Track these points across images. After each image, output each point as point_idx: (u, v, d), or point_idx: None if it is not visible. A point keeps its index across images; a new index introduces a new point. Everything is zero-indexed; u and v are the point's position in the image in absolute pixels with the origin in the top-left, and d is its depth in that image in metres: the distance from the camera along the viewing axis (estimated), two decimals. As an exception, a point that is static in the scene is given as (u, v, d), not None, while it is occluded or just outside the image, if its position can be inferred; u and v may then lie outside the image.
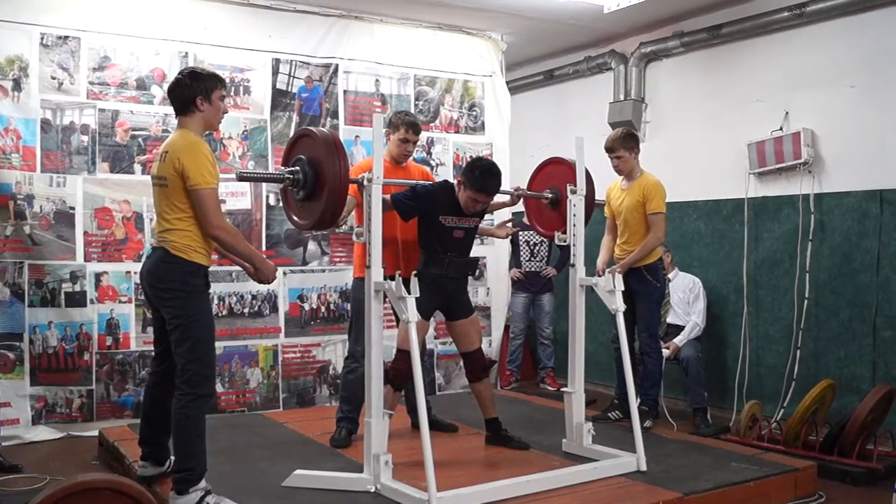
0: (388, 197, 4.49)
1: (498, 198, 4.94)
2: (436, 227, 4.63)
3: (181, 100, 3.87)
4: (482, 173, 4.55)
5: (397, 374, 4.48)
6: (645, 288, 5.48)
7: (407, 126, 5.01)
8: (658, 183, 5.47)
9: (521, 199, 5.16)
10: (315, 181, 3.90)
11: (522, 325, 7.80)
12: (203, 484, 3.77)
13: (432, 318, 4.83)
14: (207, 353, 3.86)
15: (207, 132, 4.06)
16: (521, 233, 7.47)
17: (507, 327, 7.64)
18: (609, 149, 5.50)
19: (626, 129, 5.71)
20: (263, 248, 6.21)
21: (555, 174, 5.09)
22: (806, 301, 6.04)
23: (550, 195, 5.07)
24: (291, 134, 6.28)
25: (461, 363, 6.81)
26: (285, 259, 6.32)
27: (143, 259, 4.04)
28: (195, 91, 3.84)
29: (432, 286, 4.54)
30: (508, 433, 4.97)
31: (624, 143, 5.47)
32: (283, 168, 4.04)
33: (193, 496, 3.71)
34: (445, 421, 5.39)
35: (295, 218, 4.16)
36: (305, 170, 3.92)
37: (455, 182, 4.71)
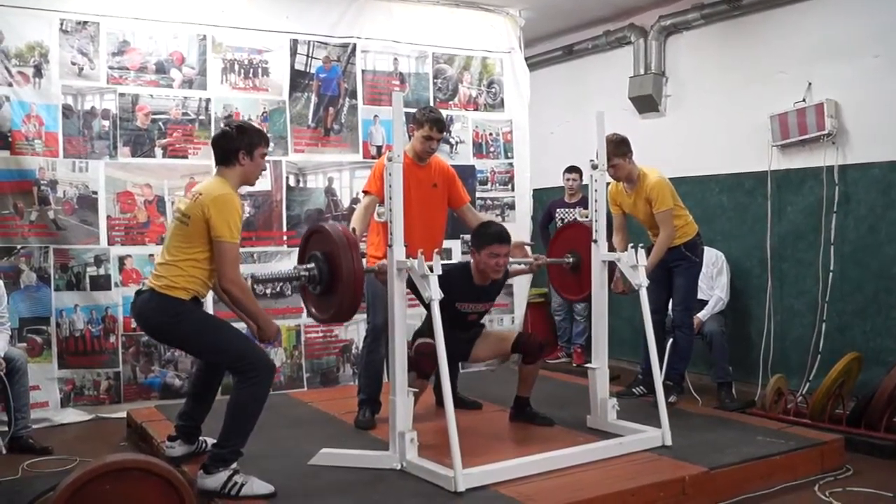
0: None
1: (517, 266, 5.00)
2: (450, 311, 4.48)
3: (224, 151, 3.93)
4: (490, 228, 4.65)
5: (420, 360, 4.42)
6: (685, 264, 5.47)
7: (431, 123, 4.95)
8: (658, 181, 5.38)
9: (541, 266, 5.16)
10: (330, 277, 3.92)
11: (561, 299, 7.84)
12: (233, 465, 3.80)
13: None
14: (235, 347, 3.85)
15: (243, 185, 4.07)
16: (557, 209, 7.56)
17: (549, 303, 7.99)
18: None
19: (615, 136, 5.28)
20: (284, 229, 6.23)
21: (574, 238, 5.10)
22: (831, 274, 5.99)
23: (571, 259, 5.08)
24: (310, 115, 6.35)
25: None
26: (307, 240, 6.33)
27: (133, 299, 4.11)
28: (239, 144, 3.90)
29: None
30: (533, 409, 4.98)
31: (616, 151, 5.24)
32: (299, 266, 4.07)
33: (222, 475, 3.74)
34: (469, 398, 5.40)
35: (314, 311, 4.16)
36: (321, 266, 3.94)
37: (470, 258, 4.69)
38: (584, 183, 7.40)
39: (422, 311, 4.98)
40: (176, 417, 4.35)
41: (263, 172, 4.08)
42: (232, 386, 3.88)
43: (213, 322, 4.03)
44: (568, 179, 7.56)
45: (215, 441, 3.88)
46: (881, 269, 5.76)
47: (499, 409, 5.26)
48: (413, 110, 5.30)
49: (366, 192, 4.99)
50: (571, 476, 4.00)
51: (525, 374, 4.94)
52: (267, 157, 4.14)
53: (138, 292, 4.02)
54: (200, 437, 4.29)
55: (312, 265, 3.99)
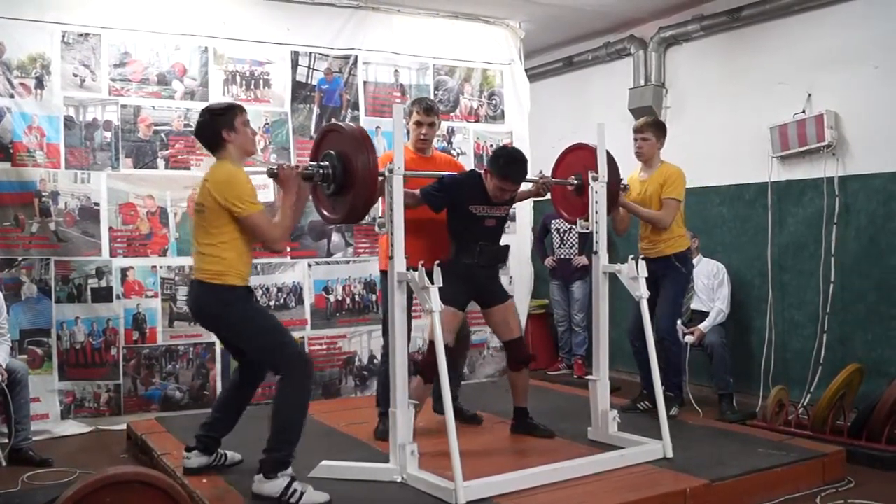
0: (417, 192, 4.50)
1: (524, 186, 4.93)
2: (466, 217, 4.63)
3: (209, 138, 3.98)
4: (507, 161, 4.59)
5: (427, 365, 4.44)
6: (673, 274, 5.45)
7: (419, 107, 4.98)
8: (680, 171, 5.47)
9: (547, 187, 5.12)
10: (344, 175, 3.92)
11: (562, 311, 7.94)
12: (290, 470, 3.81)
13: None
14: (278, 346, 3.93)
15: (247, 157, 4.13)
16: (552, 221, 7.61)
17: (550, 314, 8.03)
18: (638, 129, 5.54)
19: (659, 118, 5.80)
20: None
21: (579, 160, 5.08)
22: (832, 285, 5.98)
23: (576, 181, 5.06)
24: (312, 126, 6.35)
25: (485, 353, 6.94)
26: (310, 251, 6.35)
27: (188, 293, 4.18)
28: (218, 125, 3.94)
29: (464, 276, 4.56)
30: (534, 421, 4.97)
31: (654, 128, 5.53)
32: (312, 163, 4.05)
33: (281, 482, 3.75)
34: (469, 412, 5.33)
35: (325, 212, 4.18)
36: (334, 164, 3.93)
37: (482, 171, 4.71)
38: None
39: (425, 323, 5.00)
40: (199, 426, 4.29)
41: (257, 137, 4.10)
42: (275, 393, 3.95)
43: (265, 320, 4.05)
44: None
45: (265, 446, 3.86)
46: (882, 280, 5.76)
47: (499, 421, 5.25)
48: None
49: None
50: (572, 488, 3.99)
51: (513, 382, 4.94)
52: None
53: (191, 282, 4.13)
54: (220, 450, 4.27)
55: (326, 163, 3.97)
